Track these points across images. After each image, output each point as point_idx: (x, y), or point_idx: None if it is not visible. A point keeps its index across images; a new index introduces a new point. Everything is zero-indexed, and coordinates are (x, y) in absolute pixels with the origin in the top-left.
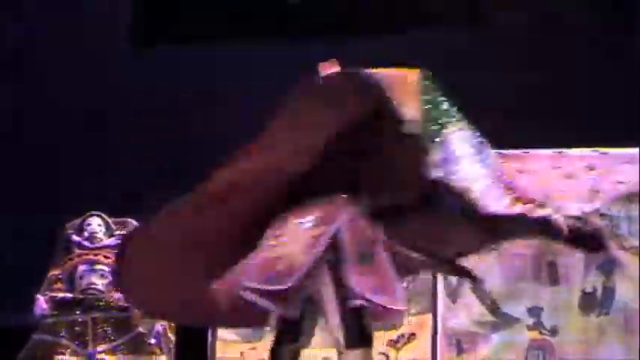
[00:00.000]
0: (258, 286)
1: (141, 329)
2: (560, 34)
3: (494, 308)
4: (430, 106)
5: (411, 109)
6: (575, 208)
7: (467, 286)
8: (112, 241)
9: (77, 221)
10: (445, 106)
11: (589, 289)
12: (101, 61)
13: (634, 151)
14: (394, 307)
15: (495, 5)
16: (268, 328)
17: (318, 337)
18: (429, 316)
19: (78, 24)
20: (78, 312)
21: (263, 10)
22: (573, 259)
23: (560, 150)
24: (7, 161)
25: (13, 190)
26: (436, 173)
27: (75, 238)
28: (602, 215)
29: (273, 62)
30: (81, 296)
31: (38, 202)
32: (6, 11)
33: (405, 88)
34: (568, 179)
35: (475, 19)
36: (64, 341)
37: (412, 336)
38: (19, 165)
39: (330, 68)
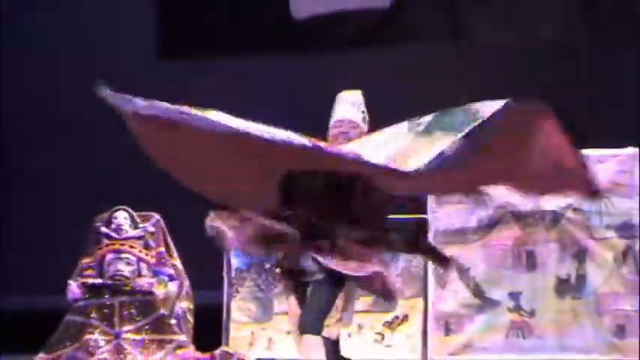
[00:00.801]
0: None
1: (163, 311)
2: (533, 47)
3: (478, 293)
4: None
5: None
6: (551, 203)
7: (454, 274)
8: (136, 232)
9: (105, 215)
10: None
11: (563, 276)
12: (126, 74)
13: (604, 152)
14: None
15: (475, 21)
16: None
17: None
18: (421, 299)
19: (104, 38)
20: (106, 296)
21: (276, 26)
22: (549, 249)
23: None
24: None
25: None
26: None
27: (103, 230)
28: (575, 210)
29: (291, 74)
30: (109, 282)
31: (73, 201)
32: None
33: None
34: None
35: (457, 34)
36: (94, 322)
37: (405, 318)
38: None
39: None
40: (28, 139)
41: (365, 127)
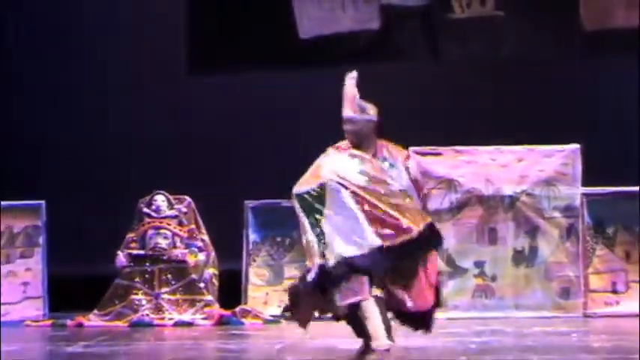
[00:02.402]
0: None
1: (193, 276)
2: (496, 62)
3: (450, 262)
4: None
5: None
6: (508, 189)
7: None
8: (172, 212)
9: (147, 198)
10: None
11: (519, 248)
12: (158, 86)
13: (552, 147)
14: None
15: (448, 43)
16: None
17: None
18: None
19: (138, 51)
20: (147, 264)
21: (286, 44)
22: (507, 226)
23: (498, 147)
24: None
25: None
26: None
27: (145, 210)
28: (528, 195)
29: (297, 85)
30: (149, 252)
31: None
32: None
33: None
34: (503, 168)
35: (434, 53)
36: (138, 285)
37: None
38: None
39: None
40: (81, 143)
41: (366, 115)
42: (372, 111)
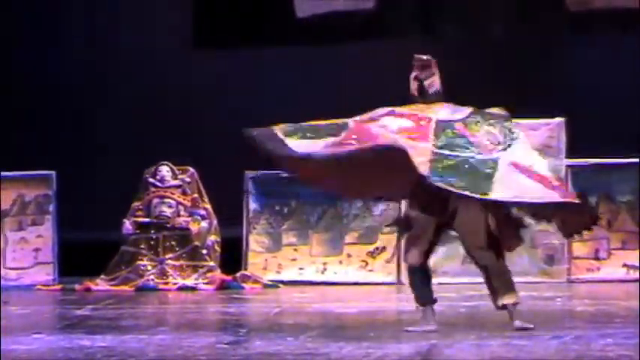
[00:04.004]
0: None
1: (197, 243)
2: (487, 42)
3: None
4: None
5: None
6: None
7: None
8: (176, 182)
9: (152, 168)
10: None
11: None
12: (164, 60)
13: (538, 121)
14: None
15: (441, 22)
16: None
17: None
18: (395, 234)
19: (132, 26)
20: (152, 231)
21: (284, 22)
22: None
23: None
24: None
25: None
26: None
27: (150, 180)
28: None
29: (295, 61)
30: (155, 220)
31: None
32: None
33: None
34: None
35: (426, 31)
36: (143, 251)
37: (383, 249)
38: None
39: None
40: (90, 113)
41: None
42: None
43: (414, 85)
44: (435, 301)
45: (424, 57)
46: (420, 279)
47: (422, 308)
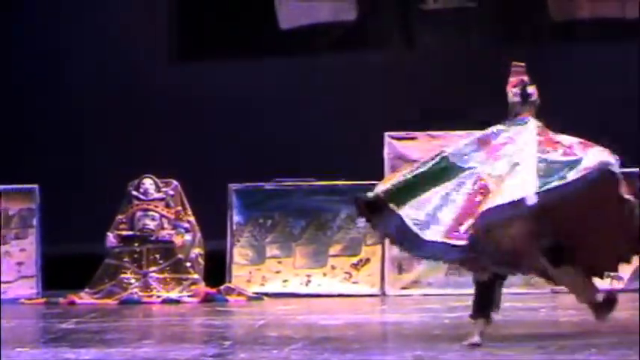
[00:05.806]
0: None
1: (180, 256)
2: (471, 53)
3: None
4: None
5: None
6: None
7: None
8: (159, 195)
9: (135, 181)
10: None
11: None
12: (146, 72)
13: None
14: None
15: (420, 33)
16: None
17: None
18: (379, 246)
19: (116, 39)
20: (136, 244)
21: (267, 34)
22: None
23: (470, 132)
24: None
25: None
26: None
27: (134, 192)
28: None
29: (279, 73)
30: (138, 233)
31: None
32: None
33: None
34: None
35: (407, 42)
36: (127, 264)
37: (367, 260)
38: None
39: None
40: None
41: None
42: None
43: (515, 91)
44: None
45: (521, 63)
46: None
47: None
